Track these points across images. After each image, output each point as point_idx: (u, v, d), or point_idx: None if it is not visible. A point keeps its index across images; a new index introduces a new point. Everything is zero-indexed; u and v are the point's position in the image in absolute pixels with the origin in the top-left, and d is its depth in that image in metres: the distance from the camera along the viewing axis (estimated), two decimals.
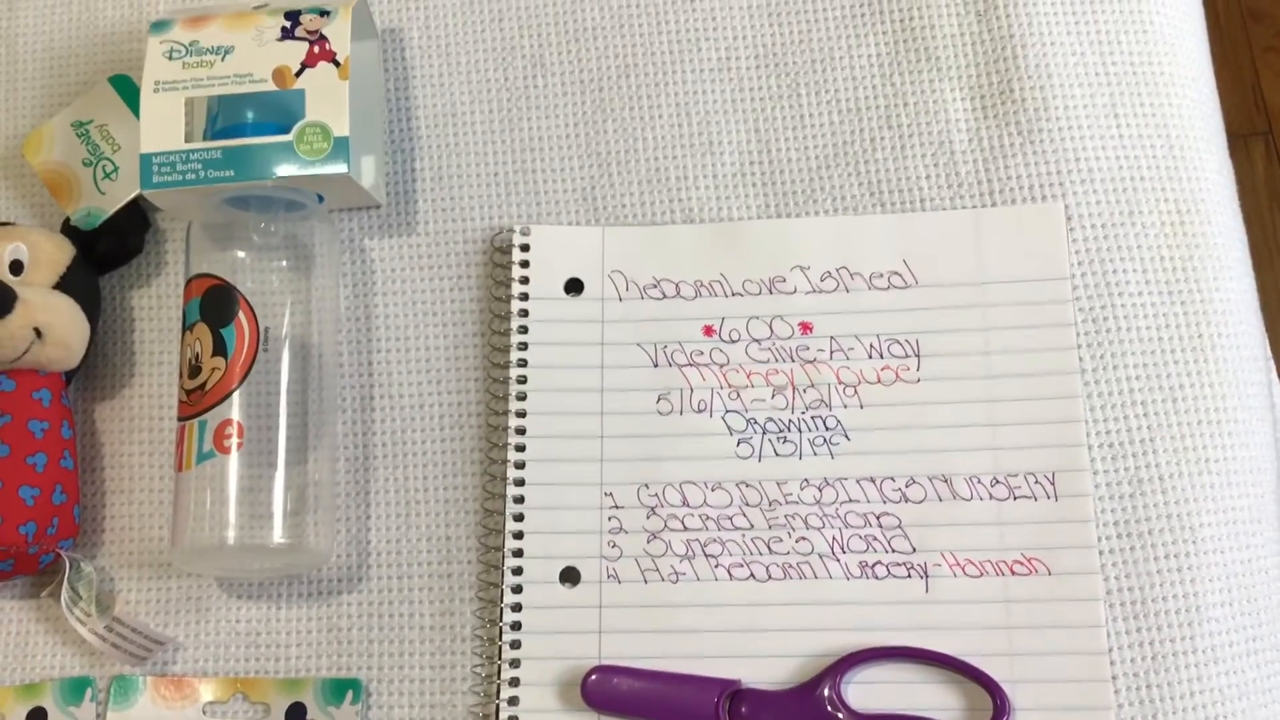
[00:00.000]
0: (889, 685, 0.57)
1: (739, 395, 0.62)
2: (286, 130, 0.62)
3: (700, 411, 0.62)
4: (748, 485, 0.61)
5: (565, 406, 0.63)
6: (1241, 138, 1.46)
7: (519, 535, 0.61)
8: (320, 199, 0.64)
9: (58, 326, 0.62)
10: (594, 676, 0.58)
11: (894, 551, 0.59)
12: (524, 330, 0.64)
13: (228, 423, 0.59)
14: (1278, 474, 0.61)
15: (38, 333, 0.61)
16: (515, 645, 0.59)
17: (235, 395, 0.59)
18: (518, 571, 0.60)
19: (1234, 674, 0.57)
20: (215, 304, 0.60)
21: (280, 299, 0.62)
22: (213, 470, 0.59)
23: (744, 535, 0.60)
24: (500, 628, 0.60)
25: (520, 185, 0.67)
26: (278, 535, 0.59)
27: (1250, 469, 0.60)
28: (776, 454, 0.61)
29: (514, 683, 0.59)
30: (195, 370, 0.60)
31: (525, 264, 0.65)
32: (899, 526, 0.60)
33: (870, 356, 0.62)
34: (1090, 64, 0.65)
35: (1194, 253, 0.62)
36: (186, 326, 0.61)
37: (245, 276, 0.61)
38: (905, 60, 0.66)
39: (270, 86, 0.62)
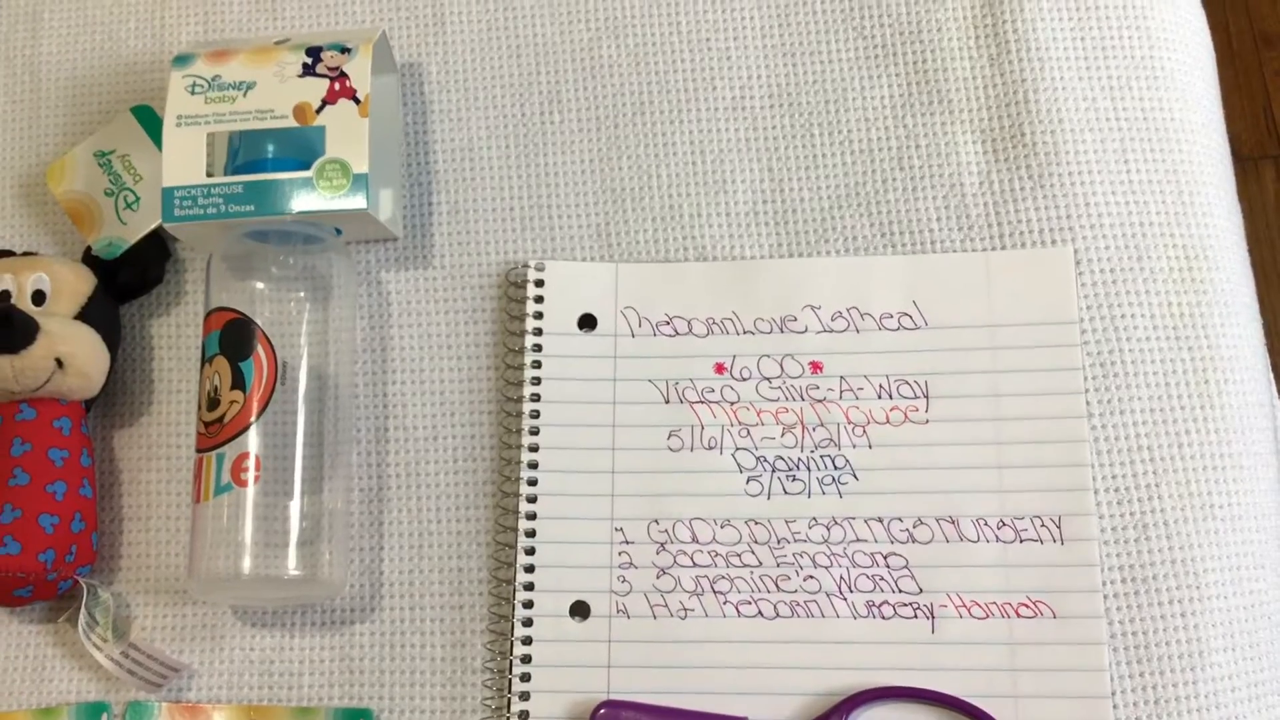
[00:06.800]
0: None
1: (749, 433, 0.63)
2: (307, 166, 0.63)
3: (710, 448, 0.63)
4: (756, 523, 0.62)
5: (577, 441, 0.63)
6: (1253, 160, 1.46)
7: (530, 569, 0.62)
8: (338, 232, 0.65)
9: (79, 357, 0.63)
10: (602, 710, 0.59)
11: (901, 592, 0.60)
12: (537, 365, 0.64)
13: (245, 456, 0.60)
14: None
15: (59, 363, 0.62)
16: (525, 678, 0.60)
17: (253, 428, 0.60)
18: (528, 605, 0.61)
19: (1236, 719, 0.57)
20: (234, 338, 0.61)
21: (298, 330, 0.63)
22: (230, 502, 0.60)
23: (752, 572, 0.61)
24: (510, 660, 0.61)
25: (535, 221, 0.68)
26: (292, 566, 0.60)
27: (1254, 514, 0.60)
28: (785, 492, 0.62)
29: (523, 715, 0.60)
30: (214, 403, 0.61)
31: (539, 299, 0.66)
32: (906, 567, 0.60)
33: (879, 397, 0.63)
34: (1101, 109, 0.65)
35: (1201, 299, 0.63)
36: (206, 359, 0.62)
37: (264, 307, 0.62)
38: (918, 103, 0.67)
39: (291, 123, 0.63)
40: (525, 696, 0.60)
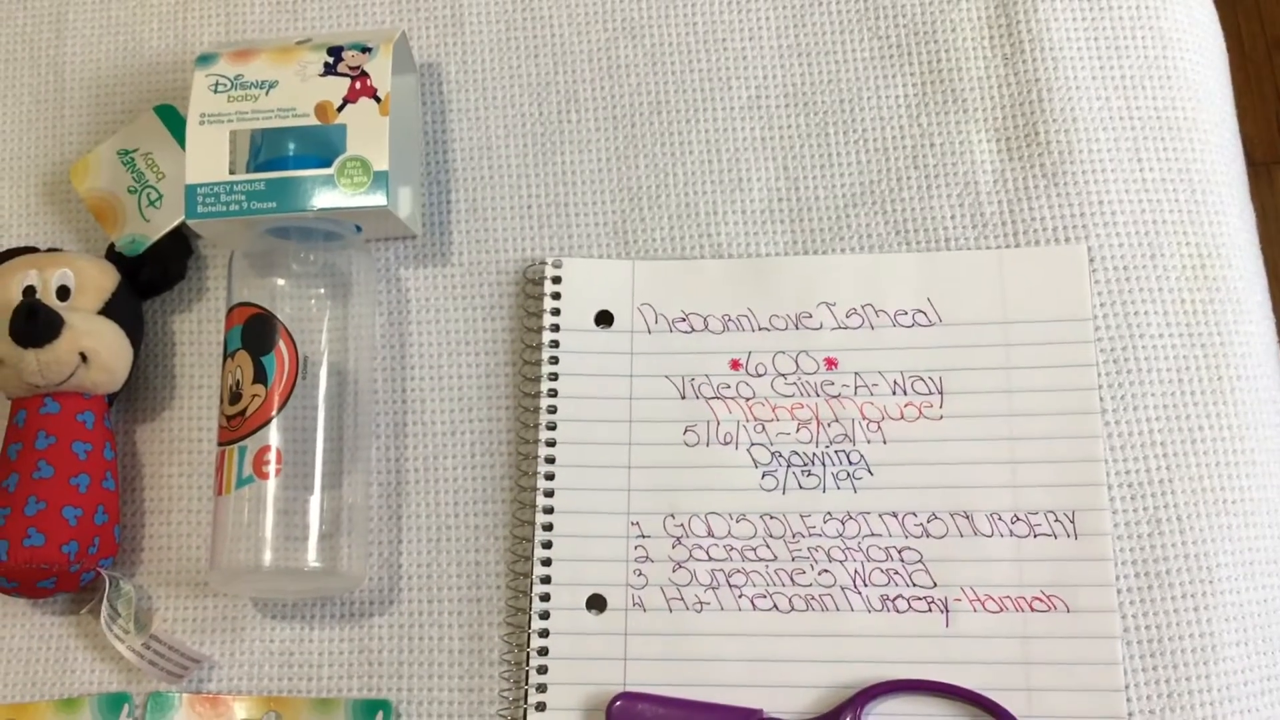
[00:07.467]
0: (908, 718, 0.58)
1: (764, 428, 0.63)
2: (328, 164, 0.64)
3: (726, 444, 0.63)
4: (772, 517, 0.62)
5: (594, 436, 0.64)
6: (1264, 165, 1.46)
7: (547, 562, 0.62)
8: (358, 229, 0.66)
9: (103, 351, 0.64)
10: (619, 703, 0.59)
11: (915, 586, 0.60)
12: (554, 361, 0.65)
13: (267, 449, 0.61)
14: None
15: (83, 357, 0.63)
16: (542, 670, 0.61)
17: (274, 422, 0.61)
18: (545, 598, 0.62)
19: (1249, 713, 0.58)
20: (256, 332, 0.62)
21: (318, 326, 0.63)
22: (251, 495, 0.61)
23: (767, 566, 0.62)
24: (528, 653, 0.61)
25: (553, 218, 0.68)
26: (312, 558, 0.61)
27: (1267, 510, 0.61)
28: (800, 487, 0.62)
29: (540, 707, 0.60)
30: (236, 397, 0.62)
31: (557, 295, 0.66)
32: (920, 561, 0.61)
33: (894, 393, 0.63)
34: (1115, 108, 0.66)
35: (1214, 296, 0.63)
36: (228, 354, 0.63)
37: (284, 304, 0.63)
38: (932, 102, 0.68)
39: (313, 121, 0.64)
40: (542, 688, 0.61)
